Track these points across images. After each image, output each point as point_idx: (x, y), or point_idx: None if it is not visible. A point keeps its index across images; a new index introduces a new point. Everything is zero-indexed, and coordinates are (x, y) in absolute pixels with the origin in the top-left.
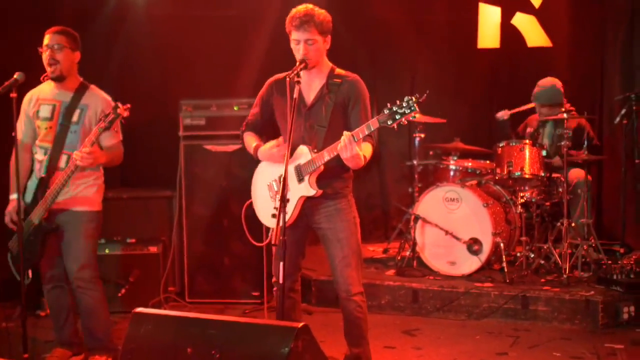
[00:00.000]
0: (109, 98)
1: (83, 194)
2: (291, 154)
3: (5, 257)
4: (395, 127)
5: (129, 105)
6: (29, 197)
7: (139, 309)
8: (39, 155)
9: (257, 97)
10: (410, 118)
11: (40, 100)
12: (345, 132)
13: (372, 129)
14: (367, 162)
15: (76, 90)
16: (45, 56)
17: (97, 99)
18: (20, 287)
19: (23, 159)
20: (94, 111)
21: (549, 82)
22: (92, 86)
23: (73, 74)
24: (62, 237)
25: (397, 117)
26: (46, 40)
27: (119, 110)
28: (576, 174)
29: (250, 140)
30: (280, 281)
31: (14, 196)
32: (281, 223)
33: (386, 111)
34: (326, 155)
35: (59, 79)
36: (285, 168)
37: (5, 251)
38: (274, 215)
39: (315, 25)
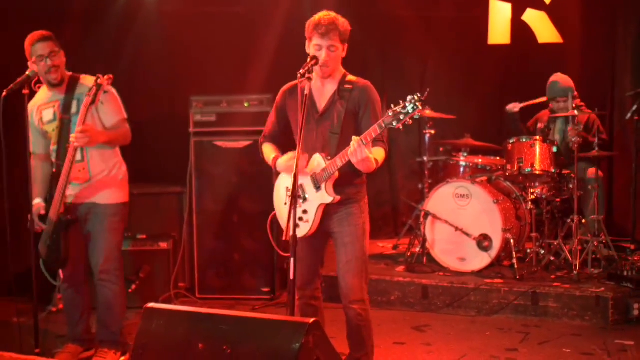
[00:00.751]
0: None
1: (107, 184)
2: (306, 162)
3: (19, 252)
4: (401, 127)
5: (111, 76)
6: (49, 195)
7: (151, 305)
8: (54, 157)
9: (273, 107)
10: (415, 117)
11: (41, 107)
12: (354, 137)
13: (379, 131)
14: (380, 165)
15: (67, 85)
16: (45, 65)
17: (90, 85)
18: (33, 282)
19: (38, 168)
20: None
21: (562, 77)
22: (82, 75)
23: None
24: (85, 233)
25: (402, 117)
26: (38, 51)
27: (99, 81)
28: (588, 170)
29: (269, 152)
30: (291, 277)
31: (35, 201)
32: (292, 222)
33: (390, 112)
34: (339, 162)
35: (60, 83)
36: (295, 170)
37: (20, 246)
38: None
39: (340, 34)
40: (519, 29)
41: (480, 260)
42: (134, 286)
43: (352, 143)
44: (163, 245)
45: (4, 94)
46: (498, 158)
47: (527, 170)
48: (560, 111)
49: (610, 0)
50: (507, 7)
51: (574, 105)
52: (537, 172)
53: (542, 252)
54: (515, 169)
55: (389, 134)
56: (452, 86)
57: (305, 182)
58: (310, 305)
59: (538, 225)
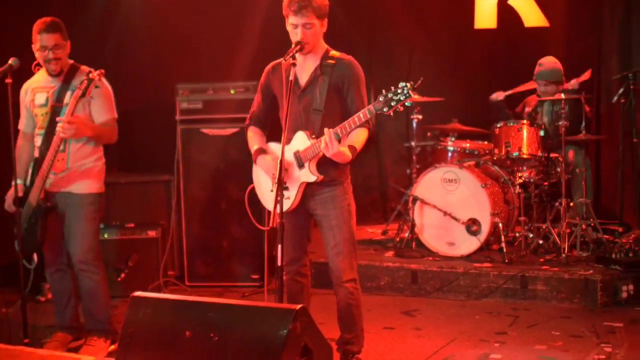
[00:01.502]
0: None
1: (83, 175)
2: (289, 139)
3: (5, 242)
4: (392, 114)
5: (102, 71)
6: (28, 181)
7: (138, 293)
8: (39, 141)
9: (258, 86)
10: (406, 104)
11: (35, 89)
12: (326, 130)
13: (364, 119)
14: (361, 149)
15: (66, 73)
16: (46, 55)
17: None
18: (20, 272)
19: (25, 148)
20: None
21: (551, 60)
22: (82, 67)
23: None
24: (64, 220)
25: (393, 103)
26: (43, 41)
27: (90, 76)
28: (574, 153)
29: (253, 141)
30: (279, 263)
31: (17, 182)
32: (279, 206)
33: (381, 98)
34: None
35: (60, 74)
36: (281, 153)
37: (5, 237)
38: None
39: (314, 10)
40: (506, 13)
41: (469, 244)
42: (123, 275)
43: (323, 137)
44: (151, 233)
45: None
46: (486, 142)
47: (514, 154)
48: (546, 94)
49: None
50: None
51: (561, 88)
52: (525, 156)
53: (531, 235)
54: (503, 153)
55: (377, 117)
56: (439, 71)
57: (288, 158)
58: (296, 282)
59: (526, 209)
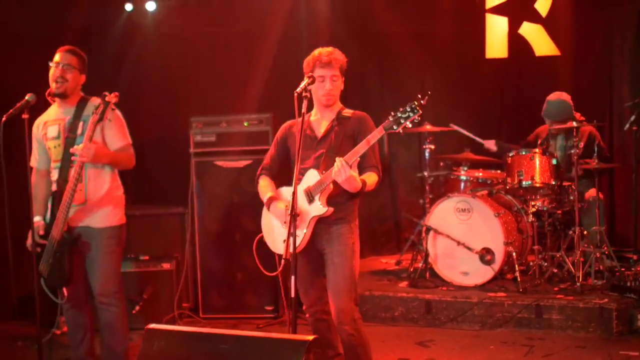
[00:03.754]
0: None
1: (102, 204)
2: (300, 179)
3: (22, 275)
4: (401, 131)
5: (117, 93)
6: (48, 216)
7: (152, 325)
8: (55, 175)
9: (274, 140)
10: (415, 120)
11: (47, 122)
12: (337, 158)
13: (373, 140)
14: (371, 189)
15: (77, 105)
16: (54, 72)
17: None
18: (37, 305)
19: (40, 185)
20: None
21: (556, 96)
22: (92, 98)
23: (76, 93)
24: (84, 254)
25: (402, 120)
26: (57, 57)
27: (107, 99)
28: (589, 190)
29: (265, 189)
30: (292, 295)
31: (35, 219)
32: (292, 241)
33: (390, 118)
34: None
35: (62, 96)
36: (294, 189)
37: (22, 270)
38: (285, 242)
39: (339, 65)
40: (516, 42)
41: (483, 274)
42: (137, 307)
43: (335, 163)
44: (166, 266)
45: (4, 119)
46: (498, 171)
47: (527, 183)
48: (556, 130)
49: (607, 11)
50: (504, 21)
51: (573, 122)
52: (538, 185)
53: (545, 264)
54: (516, 182)
55: (389, 147)
56: (451, 100)
57: (299, 197)
58: (322, 320)
59: (540, 238)
